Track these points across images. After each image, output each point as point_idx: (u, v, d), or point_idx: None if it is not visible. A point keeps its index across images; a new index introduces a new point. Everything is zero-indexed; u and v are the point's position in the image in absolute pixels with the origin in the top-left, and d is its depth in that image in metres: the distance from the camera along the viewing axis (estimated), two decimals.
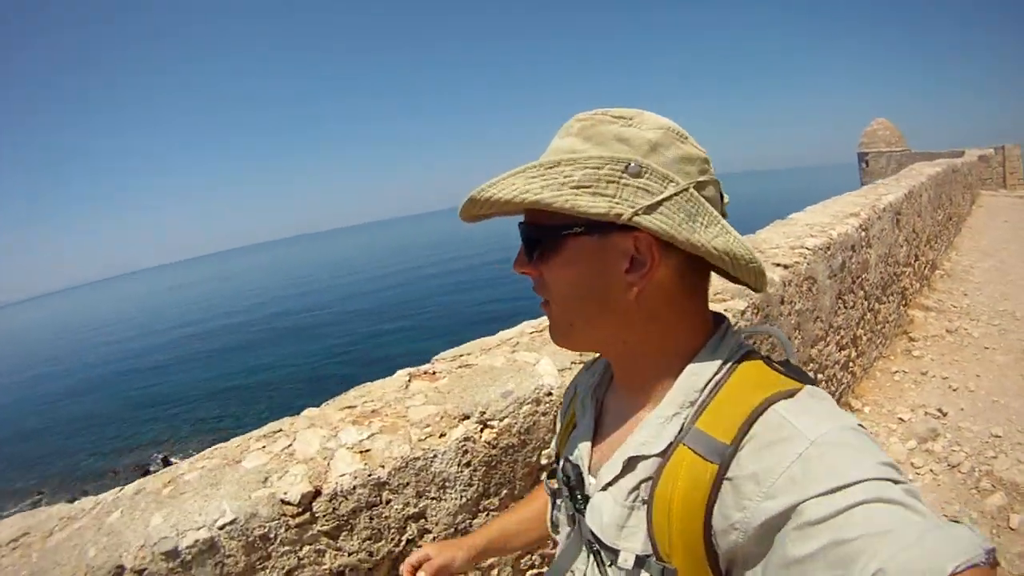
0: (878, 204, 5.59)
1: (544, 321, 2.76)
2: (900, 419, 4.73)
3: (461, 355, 2.19)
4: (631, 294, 0.75)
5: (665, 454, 0.71)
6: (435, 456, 1.66)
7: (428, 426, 1.71)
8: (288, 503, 1.49)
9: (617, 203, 0.71)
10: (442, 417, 1.74)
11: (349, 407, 1.97)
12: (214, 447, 1.96)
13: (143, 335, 38.65)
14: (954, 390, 5.18)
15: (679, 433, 0.71)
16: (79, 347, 40.85)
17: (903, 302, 6.67)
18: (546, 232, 0.77)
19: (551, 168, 0.72)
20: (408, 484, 1.63)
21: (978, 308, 7.32)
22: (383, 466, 1.59)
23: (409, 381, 2.06)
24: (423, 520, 1.68)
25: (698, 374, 0.75)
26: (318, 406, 2.05)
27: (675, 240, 0.72)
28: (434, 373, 2.08)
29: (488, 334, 2.34)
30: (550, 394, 1.89)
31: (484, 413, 1.78)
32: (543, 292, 0.83)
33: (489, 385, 1.89)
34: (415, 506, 1.65)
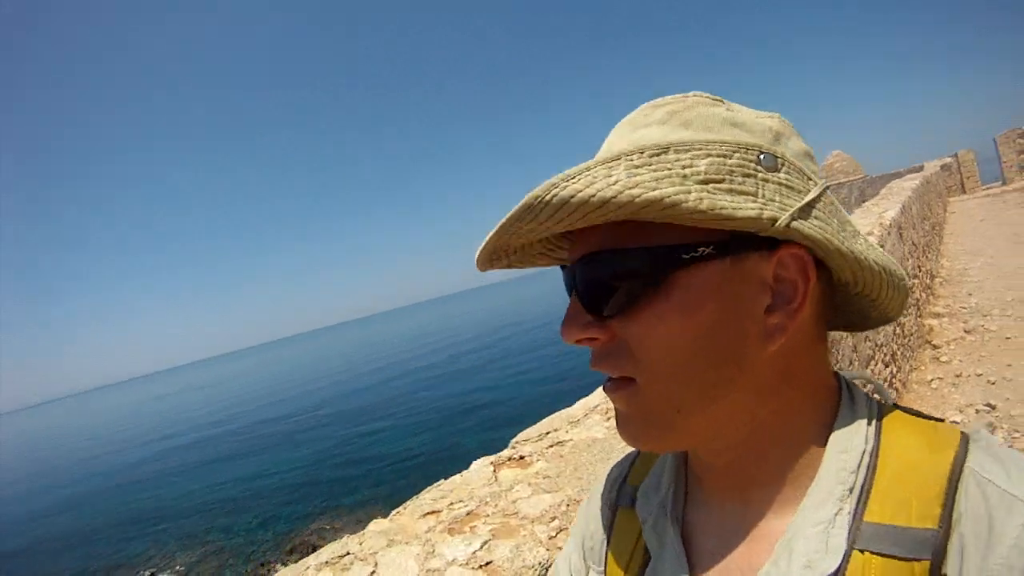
0: (883, 221, 5.56)
1: None
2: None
3: (547, 433, 1.89)
4: (771, 346, 0.52)
5: (839, 572, 0.49)
6: None
7: (555, 519, 1.39)
8: None
9: (765, 204, 0.49)
10: (568, 505, 1.43)
11: (432, 512, 1.64)
12: None
13: (124, 448, 37.38)
14: (993, 383, 5.17)
15: (848, 536, 0.49)
16: (60, 462, 39.31)
17: (918, 313, 6.59)
18: (647, 260, 0.51)
19: (658, 155, 0.49)
20: None
21: (987, 304, 7.41)
22: None
23: (495, 471, 1.74)
24: None
25: (848, 449, 0.53)
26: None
27: (840, 253, 0.52)
28: (522, 458, 1.77)
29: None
30: None
31: None
32: (621, 365, 0.55)
33: (604, 460, 1.59)
34: None
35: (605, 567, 0.71)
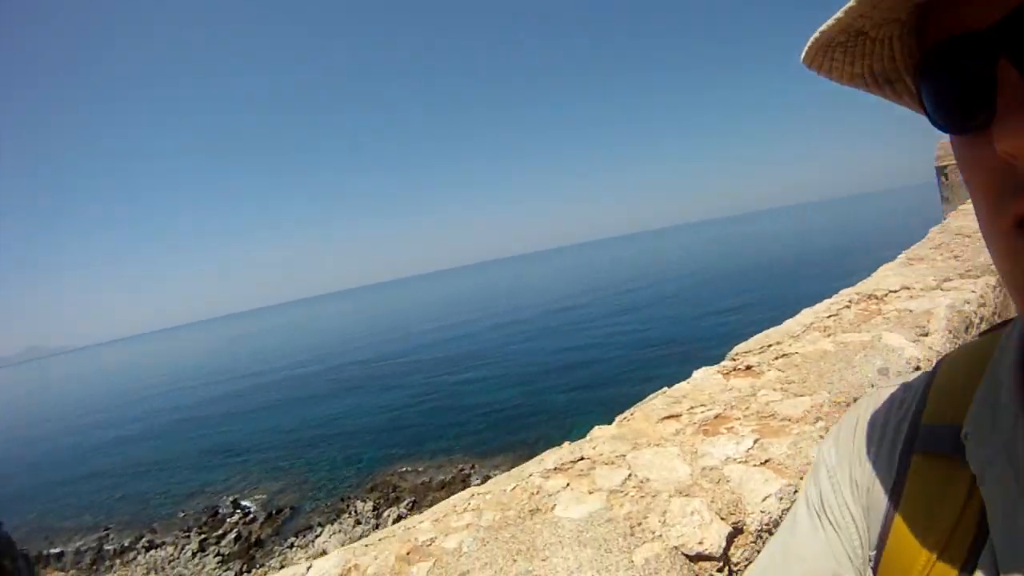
0: None
1: (835, 304, 2.38)
2: None
3: (768, 346, 1.96)
4: None
5: None
6: None
7: (819, 419, 1.48)
8: (706, 557, 1.13)
9: None
10: (828, 406, 1.52)
11: (671, 416, 1.74)
12: (469, 493, 1.52)
13: (211, 383, 39.71)
14: None
15: None
16: (147, 393, 42.36)
17: None
18: None
19: None
20: None
21: None
22: (802, 477, 1.35)
23: (726, 379, 1.83)
24: None
25: None
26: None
27: None
28: (748, 368, 1.86)
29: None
30: (918, 368, 1.63)
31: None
32: None
33: (845, 368, 1.66)
34: None
35: (884, 539, 0.50)
